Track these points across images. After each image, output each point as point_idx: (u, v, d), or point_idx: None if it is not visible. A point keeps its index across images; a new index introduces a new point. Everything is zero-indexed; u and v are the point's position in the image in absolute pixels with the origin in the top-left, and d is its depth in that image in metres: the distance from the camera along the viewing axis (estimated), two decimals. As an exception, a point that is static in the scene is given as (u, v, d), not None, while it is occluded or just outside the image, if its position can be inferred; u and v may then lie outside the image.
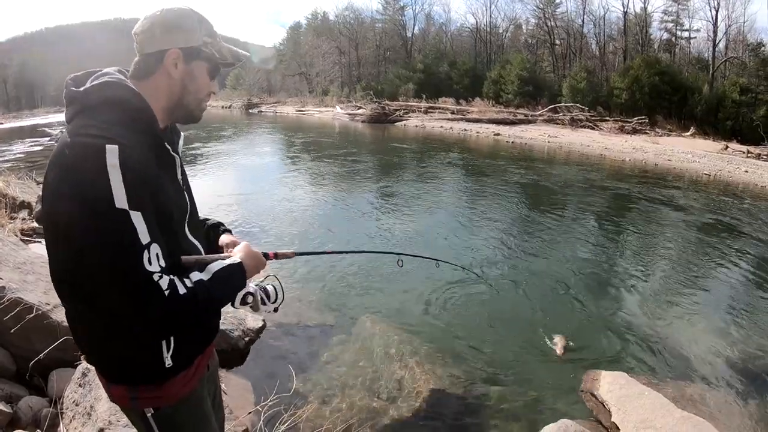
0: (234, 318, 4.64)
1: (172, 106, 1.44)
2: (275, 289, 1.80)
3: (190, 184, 1.61)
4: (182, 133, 1.62)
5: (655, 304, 6.27)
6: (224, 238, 1.79)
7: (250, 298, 1.69)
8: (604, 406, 3.94)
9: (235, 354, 4.45)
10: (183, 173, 1.54)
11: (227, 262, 1.45)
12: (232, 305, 1.64)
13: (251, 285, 1.72)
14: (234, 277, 1.45)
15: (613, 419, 3.75)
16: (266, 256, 1.67)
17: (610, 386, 4.09)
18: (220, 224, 1.86)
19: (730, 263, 8.09)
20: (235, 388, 4.01)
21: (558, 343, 4.90)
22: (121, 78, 1.37)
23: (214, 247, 1.74)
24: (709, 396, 4.33)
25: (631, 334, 5.42)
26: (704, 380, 4.61)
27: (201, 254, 1.51)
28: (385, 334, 5.02)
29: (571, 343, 5.00)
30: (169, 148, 1.42)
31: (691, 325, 5.75)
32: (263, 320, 4.89)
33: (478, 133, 28.28)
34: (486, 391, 4.27)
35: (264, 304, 1.74)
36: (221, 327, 4.43)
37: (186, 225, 1.49)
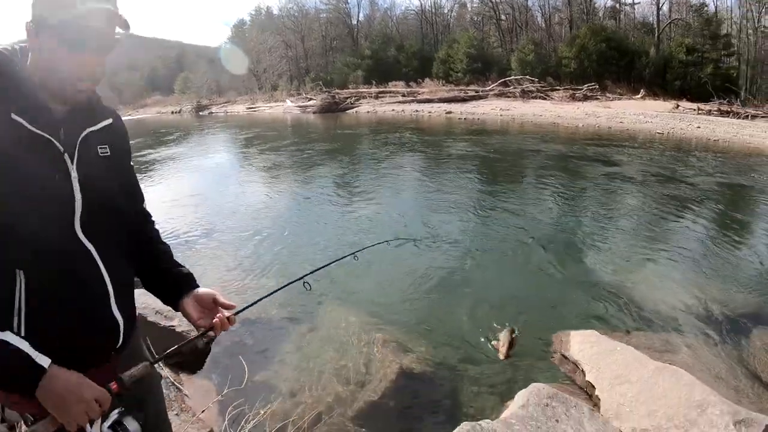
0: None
1: (44, 82, 1.28)
2: (137, 421, 1.29)
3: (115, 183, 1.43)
4: (107, 123, 1.43)
5: (617, 261, 6.28)
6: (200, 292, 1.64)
7: None
8: (576, 366, 3.81)
9: (195, 355, 4.18)
10: (89, 164, 1.32)
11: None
12: None
13: (101, 427, 1.23)
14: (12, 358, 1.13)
15: (587, 378, 3.60)
16: (108, 389, 1.22)
17: (581, 345, 3.96)
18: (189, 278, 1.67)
19: (686, 214, 8.21)
20: (197, 390, 3.85)
21: (502, 342, 4.26)
22: (4, 47, 1.30)
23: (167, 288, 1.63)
24: (681, 344, 4.34)
25: (596, 292, 5.37)
26: (674, 329, 4.62)
27: (93, 257, 1.31)
28: (347, 322, 4.83)
29: (532, 315, 4.80)
30: (25, 123, 1.20)
31: (654, 277, 5.76)
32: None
33: (430, 113, 28.31)
34: (456, 367, 4.13)
35: None
36: (177, 330, 4.09)
37: (77, 222, 1.29)
